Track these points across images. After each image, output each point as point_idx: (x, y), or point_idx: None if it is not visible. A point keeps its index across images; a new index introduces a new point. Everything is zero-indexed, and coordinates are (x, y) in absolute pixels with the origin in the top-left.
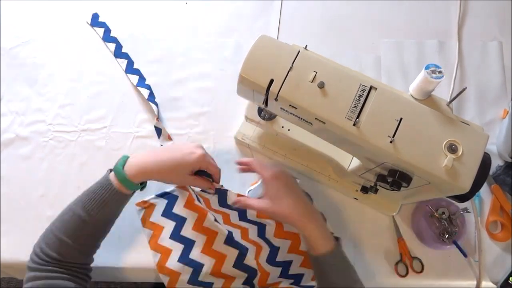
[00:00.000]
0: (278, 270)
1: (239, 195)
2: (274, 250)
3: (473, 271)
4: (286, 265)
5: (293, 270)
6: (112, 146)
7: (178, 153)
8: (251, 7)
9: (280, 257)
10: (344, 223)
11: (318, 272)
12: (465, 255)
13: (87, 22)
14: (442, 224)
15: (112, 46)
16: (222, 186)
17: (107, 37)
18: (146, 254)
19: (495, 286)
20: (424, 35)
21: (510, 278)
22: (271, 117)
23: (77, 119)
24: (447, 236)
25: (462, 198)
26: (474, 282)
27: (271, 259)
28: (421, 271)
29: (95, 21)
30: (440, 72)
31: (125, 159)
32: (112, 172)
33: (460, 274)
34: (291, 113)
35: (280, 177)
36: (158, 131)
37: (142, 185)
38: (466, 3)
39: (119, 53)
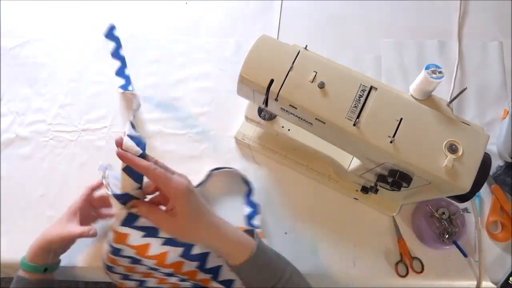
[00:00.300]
0: (194, 264)
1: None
2: (188, 248)
3: (473, 271)
4: (202, 257)
5: (211, 263)
6: (112, 146)
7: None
8: (251, 7)
9: (195, 251)
10: (344, 223)
11: (244, 279)
12: (465, 255)
13: (103, 34)
14: (442, 224)
15: (117, 63)
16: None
17: (117, 54)
18: None
19: (495, 286)
20: (424, 35)
21: (510, 278)
22: (271, 117)
23: (77, 119)
24: (447, 236)
25: (462, 198)
26: (474, 282)
27: (186, 255)
28: (421, 271)
29: (110, 33)
30: (440, 72)
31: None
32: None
33: (460, 274)
34: (291, 113)
35: (192, 192)
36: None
37: (50, 266)
38: (466, 3)
39: (120, 72)
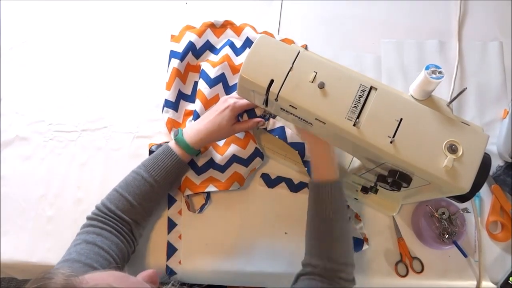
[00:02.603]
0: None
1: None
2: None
3: (473, 271)
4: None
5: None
6: (112, 146)
7: (216, 117)
8: (251, 7)
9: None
10: None
11: (316, 196)
12: (465, 255)
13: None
14: (442, 224)
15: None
16: (266, 116)
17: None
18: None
19: (495, 286)
20: (424, 35)
21: (510, 278)
22: (271, 117)
23: (77, 119)
24: (447, 236)
25: (462, 198)
26: (474, 282)
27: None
28: (421, 271)
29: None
30: (440, 72)
31: (181, 132)
32: (173, 143)
33: (460, 274)
34: (291, 113)
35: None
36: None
37: (197, 152)
38: (466, 3)
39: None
